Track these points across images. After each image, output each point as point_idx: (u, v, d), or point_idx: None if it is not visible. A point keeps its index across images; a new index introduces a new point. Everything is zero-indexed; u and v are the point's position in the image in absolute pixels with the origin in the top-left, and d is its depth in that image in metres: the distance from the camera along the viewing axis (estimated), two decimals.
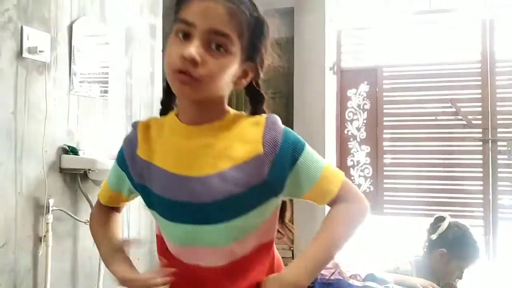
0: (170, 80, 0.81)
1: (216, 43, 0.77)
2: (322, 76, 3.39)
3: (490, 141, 3.18)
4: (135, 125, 0.93)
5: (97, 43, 2.55)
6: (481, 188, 3.19)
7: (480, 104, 3.23)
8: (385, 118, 3.43)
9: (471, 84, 3.27)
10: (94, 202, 2.33)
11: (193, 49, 0.75)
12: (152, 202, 0.89)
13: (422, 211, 3.27)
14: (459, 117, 3.28)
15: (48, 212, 2.12)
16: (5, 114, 1.97)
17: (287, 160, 0.82)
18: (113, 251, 0.95)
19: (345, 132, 3.49)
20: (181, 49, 0.76)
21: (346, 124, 3.50)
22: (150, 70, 3.01)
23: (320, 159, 0.87)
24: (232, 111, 0.89)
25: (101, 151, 2.46)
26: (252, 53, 0.84)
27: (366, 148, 3.44)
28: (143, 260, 2.92)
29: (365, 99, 3.46)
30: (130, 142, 0.92)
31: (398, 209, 3.39)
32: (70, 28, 2.29)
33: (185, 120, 0.86)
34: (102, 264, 2.33)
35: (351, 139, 3.48)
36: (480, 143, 3.21)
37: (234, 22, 0.78)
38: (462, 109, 3.27)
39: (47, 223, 2.12)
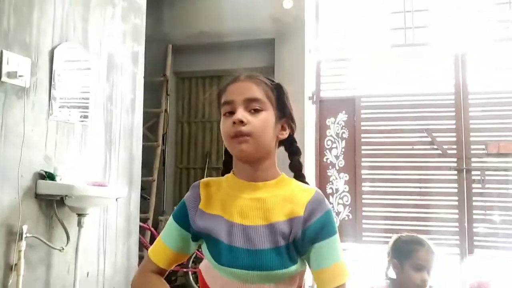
0: (230, 146, 1.00)
1: (253, 108, 1.00)
2: (302, 105, 3.45)
3: (464, 170, 3.26)
4: (196, 185, 1.08)
5: (79, 69, 2.55)
6: (457, 216, 3.25)
7: (454, 134, 3.33)
8: (363, 147, 3.49)
9: (446, 115, 3.38)
10: (70, 229, 2.31)
11: (239, 114, 0.98)
12: (213, 248, 1.00)
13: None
14: (435, 146, 3.36)
15: (21, 239, 2.06)
16: None
17: (313, 234, 0.96)
18: None
19: (324, 160, 3.53)
20: (230, 120, 0.99)
21: (325, 152, 3.55)
22: (131, 96, 3.01)
23: (340, 254, 1.00)
24: (284, 175, 1.06)
25: (79, 177, 2.43)
26: (282, 110, 1.05)
27: (345, 176, 3.48)
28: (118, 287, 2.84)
29: (344, 128, 3.53)
30: (193, 200, 1.06)
31: (376, 236, 3.41)
32: (52, 53, 2.29)
33: (242, 178, 1.03)
34: None
35: (330, 167, 3.52)
36: (455, 172, 3.29)
37: (261, 89, 1.02)
38: (438, 139, 3.36)
39: (20, 251, 2.06)
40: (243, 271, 0.95)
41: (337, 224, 1.01)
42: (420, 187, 3.38)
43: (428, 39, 3.53)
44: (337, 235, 0.99)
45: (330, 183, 3.50)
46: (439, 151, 3.35)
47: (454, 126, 3.34)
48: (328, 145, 3.55)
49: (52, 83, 2.30)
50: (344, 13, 3.92)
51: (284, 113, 1.06)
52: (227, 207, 1.02)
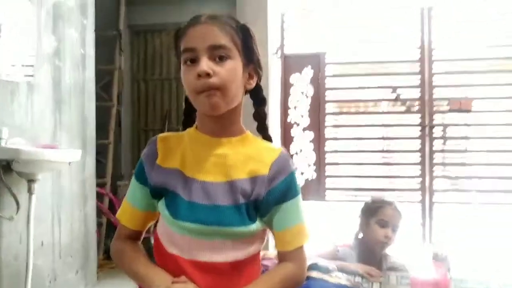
0: (197, 102, 0.94)
1: (218, 55, 0.92)
2: (266, 61, 3.32)
3: (427, 127, 3.27)
4: (153, 140, 1.01)
5: (19, 20, 2.30)
6: (419, 172, 3.29)
7: (418, 90, 3.31)
8: (327, 105, 3.43)
9: (411, 71, 3.34)
10: (19, 196, 2.14)
11: (204, 64, 0.90)
12: (170, 204, 0.96)
13: (363, 196, 3.32)
14: (399, 103, 3.35)
15: None
16: None
17: (278, 195, 0.94)
18: (152, 269, 0.99)
19: (288, 119, 3.45)
20: (193, 71, 0.91)
21: (288, 111, 3.46)
22: (81, 52, 2.78)
23: (302, 215, 0.99)
24: (249, 133, 1.01)
25: (27, 140, 2.24)
26: (249, 56, 0.98)
27: (310, 135, 3.43)
28: (77, 256, 2.74)
29: (308, 85, 3.44)
30: (149, 157, 1.00)
31: (339, 195, 3.43)
32: None
33: (205, 132, 0.98)
34: (30, 262, 2.13)
35: (295, 126, 3.45)
36: (419, 128, 3.30)
37: (225, 33, 0.93)
38: (402, 96, 3.34)
39: None
40: (201, 226, 0.93)
41: (300, 185, 1.01)
42: (384, 145, 3.39)
43: None
44: (300, 196, 0.98)
45: (294, 142, 3.44)
46: (403, 108, 3.34)
47: (418, 82, 3.32)
48: (292, 103, 3.46)
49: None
50: None
51: (251, 59, 0.99)
52: (187, 162, 0.97)
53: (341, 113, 3.49)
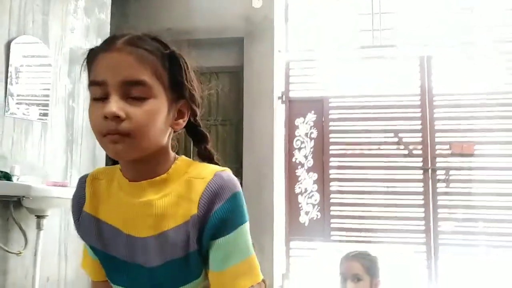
0: (102, 145, 0.76)
1: (134, 94, 0.73)
2: (271, 105, 3.43)
3: (430, 169, 3.32)
4: (82, 180, 0.88)
5: (38, 64, 2.44)
6: (423, 215, 3.30)
7: (420, 134, 3.39)
8: (331, 147, 3.50)
9: (412, 116, 3.43)
10: (28, 232, 2.19)
11: (113, 105, 0.71)
12: (103, 263, 0.85)
13: (367, 237, 3.33)
14: (401, 147, 3.41)
15: None
16: None
17: (212, 231, 0.75)
18: None
19: (293, 160, 3.52)
20: (101, 110, 0.72)
21: (294, 152, 3.54)
22: None
23: (246, 251, 0.78)
24: (181, 160, 0.82)
25: (38, 177, 2.31)
26: (178, 90, 0.78)
27: (314, 176, 3.48)
28: None
29: (312, 128, 3.53)
30: (77, 201, 0.87)
31: (344, 236, 3.42)
32: (8, 47, 2.18)
33: (127, 176, 0.80)
34: None
35: (299, 167, 3.51)
36: (421, 171, 3.34)
37: (145, 66, 0.74)
38: (404, 139, 3.41)
39: None
40: (132, 285, 0.81)
41: (245, 210, 0.78)
42: (387, 187, 3.41)
43: (394, 41, 3.58)
44: (243, 226, 0.77)
45: (299, 182, 3.49)
46: (405, 151, 3.40)
47: (420, 127, 3.39)
48: (297, 145, 3.54)
49: (9, 78, 2.18)
50: (313, 13, 3.93)
51: (181, 95, 0.79)
52: (112, 212, 0.81)
53: (345, 155, 3.55)
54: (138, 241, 0.78)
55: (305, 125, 3.55)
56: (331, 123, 3.52)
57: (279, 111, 3.56)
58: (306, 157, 3.52)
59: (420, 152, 3.38)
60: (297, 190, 3.46)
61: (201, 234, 0.75)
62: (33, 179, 2.27)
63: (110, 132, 0.72)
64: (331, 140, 3.51)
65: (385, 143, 3.44)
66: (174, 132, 0.81)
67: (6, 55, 2.18)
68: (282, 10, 3.81)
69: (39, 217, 2.22)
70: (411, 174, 3.38)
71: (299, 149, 3.53)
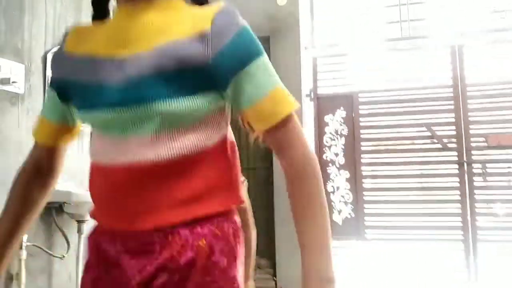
0: None
1: None
2: (299, 102, 3.41)
3: (465, 163, 3.24)
4: (63, 34, 0.82)
5: None
6: (460, 211, 3.23)
7: (454, 127, 3.31)
8: (362, 143, 3.46)
9: (445, 109, 3.35)
10: (70, 236, 2.27)
11: None
12: (79, 99, 0.77)
13: (403, 235, 3.28)
14: (435, 140, 3.34)
15: (21, 248, 2.02)
16: None
17: (237, 55, 0.68)
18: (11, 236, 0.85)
19: (324, 157, 3.50)
20: None
21: (324, 149, 3.52)
22: None
23: (275, 79, 0.72)
24: None
25: (78, 183, 2.39)
26: None
27: (346, 173, 3.46)
28: None
29: (342, 124, 3.50)
30: (57, 54, 0.81)
31: (380, 234, 3.39)
32: (45, 58, 2.25)
33: (122, 1, 0.75)
34: None
35: (330, 165, 3.49)
36: (456, 165, 3.27)
37: None
38: (437, 133, 3.34)
39: (20, 260, 2.02)
40: (116, 110, 0.69)
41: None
42: (421, 182, 3.35)
43: (424, 32, 3.50)
44: (265, 56, 0.72)
45: (331, 180, 3.47)
46: (439, 145, 3.33)
47: (453, 120, 3.31)
48: (327, 143, 3.52)
49: (46, 88, 2.26)
50: (338, 8, 3.89)
51: None
52: (100, 43, 0.74)
53: (377, 151, 3.50)
54: (128, 60, 0.70)
55: (334, 122, 3.52)
56: (361, 119, 3.48)
57: (308, 109, 3.55)
58: (337, 154, 3.49)
59: (454, 145, 3.30)
60: (329, 189, 3.44)
61: (214, 57, 0.68)
62: (73, 185, 2.34)
63: None
64: (362, 136, 3.47)
65: (418, 137, 3.38)
66: None
67: (43, 66, 2.25)
68: (307, 6, 3.79)
69: (80, 222, 2.29)
70: (446, 169, 3.31)
71: (330, 146, 3.51)
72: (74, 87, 0.76)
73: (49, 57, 2.28)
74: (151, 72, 0.67)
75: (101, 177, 0.77)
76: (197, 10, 0.73)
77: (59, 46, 0.81)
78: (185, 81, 0.68)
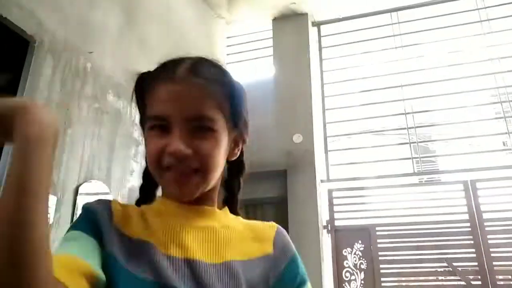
0: (163, 182, 0.69)
1: (198, 126, 0.66)
2: (317, 234, 3.43)
3: None
4: (103, 201, 0.69)
5: None
6: None
7: (476, 263, 3.22)
8: (382, 279, 3.36)
9: (464, 243, 3.30)
10: None
11: (177, 142, 0.64)
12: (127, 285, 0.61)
13: None
14: (457, 277, 3.23)
15: None
16: None
17: (290, 281, 0.70)
18: None
19: None
20: (162, 142, 0.66)
21: (344, 285, 3.41)
22: None
23: None
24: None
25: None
26: (236, 121, 0.72)
27: None
28: None
29: (361, 258, 3.45)
30: (103, 211, 0.67)
31: None
32: (76, 190, 2.41)
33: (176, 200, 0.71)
34: None
35: None
36: None
37: (210, 99, 0.68)
38: (460, 269, 3.25)
39: None
40: None
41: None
42: None
43: (436, 167, 3.64)
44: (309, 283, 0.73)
45: None
46: (463, 282, 3.21)
47: (474, 255, 3.24)
48: (347, 277, 3.43)
49: (74, 218, 2.37)
50: (351, 145, 4.13)
51: (238, 123, 0.73)
52: (156, 234, 0.66)
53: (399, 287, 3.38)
54: (198, 265, 0.64)
55: (353, 256, 3.48)
56: (380, 253, 3.44)
57: (326, 241, 3.55)
58: None
59: (479, 282, 3.18)
60: None
61: (276, 280, 0.67)
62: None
63: (173, 169, 0.65)
64: (381, 271, 3.39)
65: (441, 273, 3.28)
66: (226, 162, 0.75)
67: (74, 197, 2.40)
68: (321, 142, 4.03)
69: None
70: None
71: (349, 281, 3.42)
72: (128, 274, 0.62)
73: (81, 190, 2.44)
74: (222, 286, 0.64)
75: None
76: (254, 226, 0.74)
77: (100, 205, 0.68)
78: None
